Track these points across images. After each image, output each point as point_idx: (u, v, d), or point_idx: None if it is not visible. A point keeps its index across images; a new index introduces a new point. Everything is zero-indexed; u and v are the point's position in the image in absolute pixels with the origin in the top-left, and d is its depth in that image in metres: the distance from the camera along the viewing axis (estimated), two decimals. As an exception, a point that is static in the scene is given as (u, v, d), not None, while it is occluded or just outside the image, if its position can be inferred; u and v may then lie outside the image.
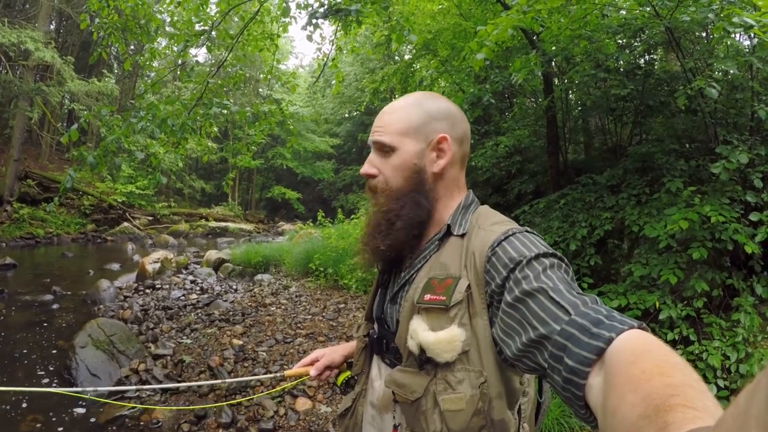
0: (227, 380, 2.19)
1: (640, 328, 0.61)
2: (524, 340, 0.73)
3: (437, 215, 1.03)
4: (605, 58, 5.04)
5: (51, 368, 4.56)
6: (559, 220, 5.15)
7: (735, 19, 2.58)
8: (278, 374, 1.54)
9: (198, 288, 8.45)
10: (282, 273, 10.45)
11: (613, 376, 0.54)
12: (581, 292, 0.75)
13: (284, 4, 6.24)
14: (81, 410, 3.85)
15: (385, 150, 1.02)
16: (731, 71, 3.41)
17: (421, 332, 0.87)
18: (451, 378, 0.86)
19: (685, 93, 3.28)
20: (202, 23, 6.18)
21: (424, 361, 0.88)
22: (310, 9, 5.90)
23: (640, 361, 0.52)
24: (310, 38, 6.53)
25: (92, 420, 3.73)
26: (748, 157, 3.19)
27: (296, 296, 8.13)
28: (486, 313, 0.87)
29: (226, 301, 7.57)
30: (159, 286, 8.23)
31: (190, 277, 9.26)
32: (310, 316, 6.84)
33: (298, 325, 6.39)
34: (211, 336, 5.77)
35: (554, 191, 5.82)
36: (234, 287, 8.84)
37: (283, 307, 7.43)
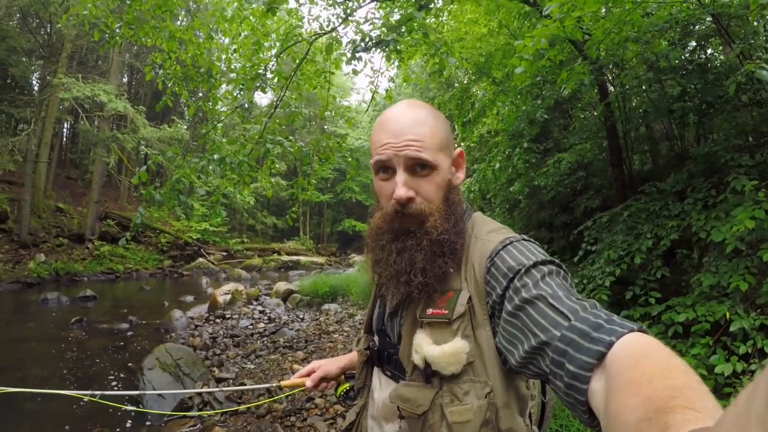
0: (224, 389, 2.24)
1: (640, 330, 0.61)
2: (526, 347, 0.73)
3: None
4: (656, 58, 4.78)
5: (118, 387, 4.88)
6: (623, 233, 4.86)
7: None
8: (274, 384, 1.56)
9: (266, 317, 8.75)
10: (349, 302, 10.59)
11: (614, 379, 0.54)
12: (580, 297, 0.74)
13: (331, 42, 6.55)
14: (145, 425, 4.08)
15: (424, 167, 0.92)
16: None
17: (425, 346, 0.87)
18: (458, 390, 0.85)
19: (735, 80, 3.03)
20: (257, 67, 6.61)
21: (430, 375, 0.87)
22: (353, 44, 6.15)
23: (640, 363, 0.53)
24: (356, 72, 6.78)
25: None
26: (815, 143, 2.88)
27: (360, 324, 8.19)
28: (488, 323, 0.86)
29: (291, 329, 7.78)
30: (229, 316, 8.61)
31: (259, 308, 9.61)
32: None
33: (359, 350, 6.40)
34: (274, 362, 5.93)
35: (620, 204, 5.52)
36: (301, 316, 9.07)
37: (345, 334, 7.51)
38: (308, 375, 1.40)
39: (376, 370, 1.12)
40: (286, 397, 4.71)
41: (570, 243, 7.24)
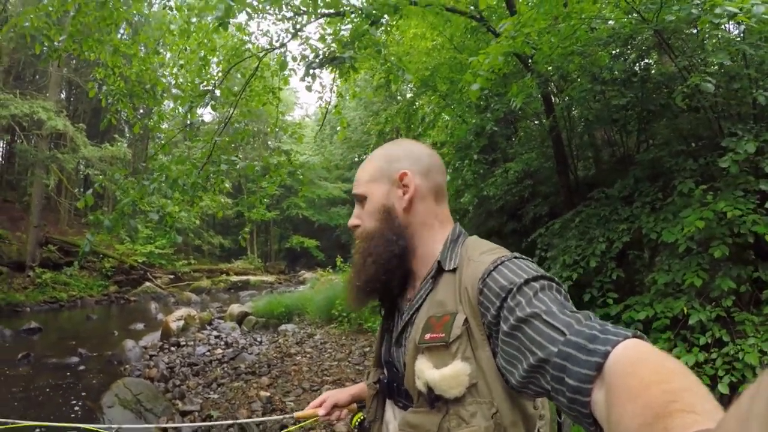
0: (241, 421, 2.16)
1: (635, 336, 0.61)
2: (525, 366, 0.74)
3: (420, 250, 1.05)
4: (600, 71, 5.07)
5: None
6: (576, 238, 5.07)
7: (718, 10, 2.59)
8: (289, 416, 1.59)
9: (223, 343, 8.43)
10: (306, 321, 10.41)
11: (613, 388, 0.54)
12: (575, 310, 0.75)
13: (282, 59, 6.49)
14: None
15: (360, 200, 1.09)
16: (725, 62, 3.38)
17: (426, 371, 0.88)
18: (463, 412, 0.85)
19: (681, 92, 3.26)
20: (205, 83, 6.44)
21: (434, 399, 0.88)
22: (306, 60, 6.11)
23: (637, 370, 0.53)
24: (309, 89, 6.76)
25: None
26: (756, 145, 3.13)
27: (321, 343, 8.06)
28: (487, 344, 0.87)
29: (251, 353, 7.54)
30: (184, 343, 8.23)
31: (215, 333, 9.26)
32: (336, 363, 6.75)
33: (324, 372, 6.30)
34: (238, 389, 5.72)
35: (568, 210, 5.75)
36: (258, 339, 8.81)
37: (308, 355, 7.36)
38: (320, 405, 1.42)
39: (388, 403, 1.12)
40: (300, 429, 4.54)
41: (522, 250, 7.41)
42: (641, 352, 0.57)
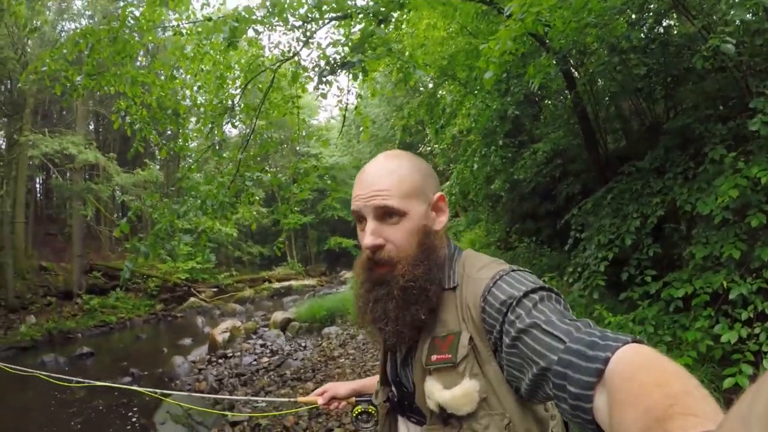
0: (248, 398, 2.23)
1: (634, 341, 0.62)
2: (530, 376, 0.75)
3: None
4: (618, 40, 4.88)
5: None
6: (609, 216, 4.91)
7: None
8: (292, 399, 1.82)
9: (268, 351, 8.62)
10: (348, 322, 10.50)
11: (614, 393, 0.55)
12: (574, 318, 0.76)
13: (295, 70, 6.53)
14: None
15: (392, 215, 0.95)
16: (745, 18, 3.17)
17: (436, 393, 0.89)
18: (477, 426, 0.86)
19: (702, 55, 3.10)
20: (224, 101, 6.56)
21: (447, 417, 0.89)
22: (318, 68, 6.14)
23: (637, 375, 0.54)
24: (324, 96, 6.80)
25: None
26: (786, 106, 2.95)
27: (363, 344, 8.13)
28: (494, 359, 0.88)
29: (296, 359, 7.68)
30: (231, 354, 8.46)
31: (260, 341, 9.47)
32: (378, 362, 6.77)
33: (367, 372, 6.37)
34: (285, 396, 5.83)
35: (601, 186, 5.58)
36: (303, 345, 8.96)
37: (351, 357, 7.44)
38: (321, 395, 1.55)
39: (401, 419, 1.14)
40: (305, 430, 4.64)
41: (557, 231, 7.30)
42: (641, 357, 0.57)
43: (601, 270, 4.46)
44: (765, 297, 3.03)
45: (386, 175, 0.96)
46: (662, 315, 3.83)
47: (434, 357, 0.91)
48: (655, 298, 4.02)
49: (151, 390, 2.24)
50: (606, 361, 0.59)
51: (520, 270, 0.92)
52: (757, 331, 2.93)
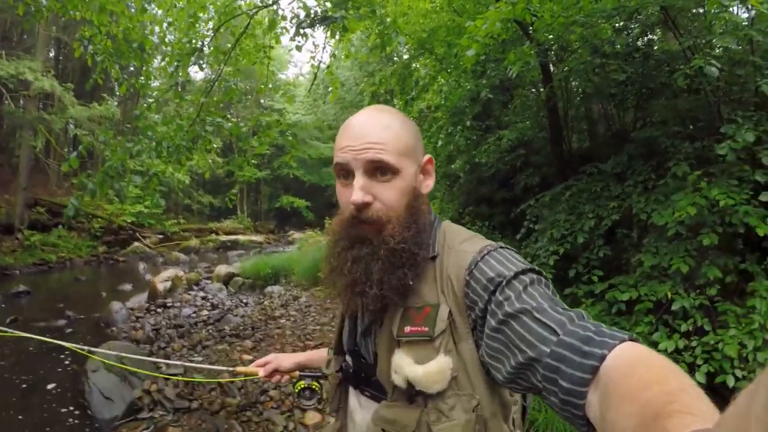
0: (185, 363, 2.16)
1: (630, 339, 0.60)
2: (513, 363, 0.71)
3: None
4: (601, 43, 4.92)
5: (66, 393, 4.58)
6: (565, 212, 5.04)
7: (728, -8, 2.48)
8: (230, 369, 1.63)
9: (209, 304, 8.44)
10: (292, 283, 10.44)
11: (609, 390, 0.54)
12: (566, 308, 0.73)
13: (272, 17, 6.23)
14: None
15: (386, 171, 0.88)
16: (731, 47, 3.27)
17: (406, 367, 0.82)
18: (443, 406, 0.82)
19: (684, 73, 3.16)
20: (194, 41, 6.18)
21: (413, 395, 0.84)
22: (296, 20, 5.87)
23: (635, 372, 0.53)
24: (299, 48, 6.54)
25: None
26: (755, 135, 3.07)
27: (305, 307, 8.11)
28: (471, 336, 0.84)
29: (236, 315, 7.57)
30: (170, 304, 8.23)
31: (201, 294, 9.25)
32: (318, 327, 6.80)
33: (307, 336, 6.36)
34: (222, 352, 5.75)
35: (560, 182, 5.71)
36: (244, 301, 8.84)
37: (292, 319, 7.41)
38: (263, 366, 1.45)
39: (352, 392, 1.07)
40: (239, 389, 4.60)
41: (511, 220, 7.45)
42: (638, 355, 0.57)
43: (551, 263, 4.60)
44: (705, 314, 3.21)
45: (381, 129, 0.89)
46: (604, 315, 4.00)
47: (408, 329, 0.85)
48: (599, 298, 4.19)
49: (78, 347, 2.07)
50: (602, 358, 0.58)
51: (507, 248, 0.87)
52: (693, 344, 3.10)
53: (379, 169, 0.88)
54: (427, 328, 0.83)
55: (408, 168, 0.90)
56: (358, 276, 0.87)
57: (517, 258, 0.84)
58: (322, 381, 1.41)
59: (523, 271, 0.79)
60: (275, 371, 1.43)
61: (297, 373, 1.43)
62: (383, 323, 0.92)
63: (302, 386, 1.40)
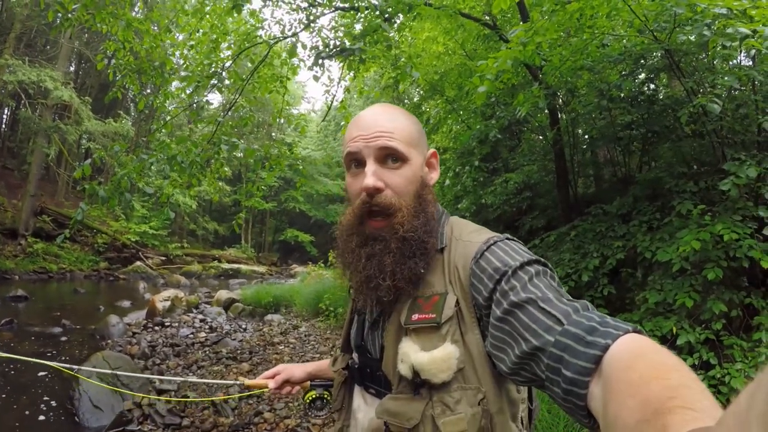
0: (190, 380, 2.13)
1: (635, 331, 0.60)
2: (517, 352, 0.71)
3: None
4: (608, 88, 5.08)
5: (54, 400, 4.50)
6: (570, 252, 5.06)
7: (729, 30, 2.58)
8: (237, 382, 1.49)
9: (207, 327, 8.37)
10: (292, 313, 10.36)
11: (611, 382, 0.53)
12: (571, 298, 0.73)
13: (292, 46, 6.46)
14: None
15: (396, 159, 0.92)
16: (734, 87, 3.38)
17: (413, 354, 0.83)
18: (448, 399, 0.81)
19: (688, 111, 3.25)
20: (214, 66, 6.41)
21: (418, 385, 0.84)
22: (315, 50, 6.10)
23: (637, 365, 0.52)
24: (317, 78, 6.74)
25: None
26: (757, 171, 3.12)
27: (305, 335, 8.02)
28: (477, 327, 0.84)
29: (234, 339, 7.49)
30: (168, 323, 8.17)
31: (200, 316, 9.19)
32: (317, 355, 6.70)
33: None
34: (218, 373, 5.67)
35: (565, 225, 5.75)
36: (243, 327, 8.76)
37: (291, 345, 7.32)
38: (273, 377, 1.37)
39: (357, 390, 1.06)
40: (233, 409, 4.52)
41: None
42: (641, 347, 0.56)
43: (555, 302, 4.56)
44: (710, 348, 3.18)
45: (389, 120, 0.93)
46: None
47: (415, 316, 0.86)
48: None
49: (66, 366, 1.96)
50: (605, 348, 0.57)
51: (514, 239, 0.88)
52: (700, 378, 3.05)
53: (390, 156, 0.91)
54: (434, 315, 0.84)
55: (416, 157, 0.94)
56: (373, 272, 0.90)
57: (523, 249, 0.85)
58: (333, 391, 1.36)
59: (529, 262, 0.80)
60: (286, 382, 1.36)
61: (308, 383, 1.38)
62: (392, 315, 0.93)
63: (313, 396, 1.33)
